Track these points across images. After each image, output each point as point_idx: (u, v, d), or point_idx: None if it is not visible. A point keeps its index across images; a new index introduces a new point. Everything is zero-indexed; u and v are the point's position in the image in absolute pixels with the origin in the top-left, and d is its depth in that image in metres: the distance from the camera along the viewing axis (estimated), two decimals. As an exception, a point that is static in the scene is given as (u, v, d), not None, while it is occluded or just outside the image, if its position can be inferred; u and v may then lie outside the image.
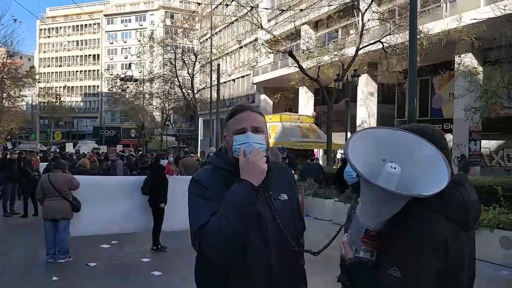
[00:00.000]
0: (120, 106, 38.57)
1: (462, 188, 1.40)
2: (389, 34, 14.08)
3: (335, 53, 15.92)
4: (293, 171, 10.76)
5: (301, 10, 18.30)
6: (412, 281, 1.29)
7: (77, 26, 62.54)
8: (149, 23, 54.99)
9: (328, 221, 9.48)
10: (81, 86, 62.85)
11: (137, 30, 56.80)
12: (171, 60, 29.11)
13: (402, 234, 1.32)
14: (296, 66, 15.64)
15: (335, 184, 9.88)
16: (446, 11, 15.13)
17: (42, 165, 11.15)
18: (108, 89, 40.30)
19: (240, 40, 31.47)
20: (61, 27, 63.09)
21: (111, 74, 38.02)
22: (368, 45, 14.55)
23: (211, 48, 26.55)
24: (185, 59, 28.94)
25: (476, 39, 11.83)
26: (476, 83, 11.29)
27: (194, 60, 29.47)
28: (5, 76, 26.76)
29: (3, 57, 26.84)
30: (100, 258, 6.42)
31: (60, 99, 50.20)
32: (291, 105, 26.15)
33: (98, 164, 12.49)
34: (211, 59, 26.32)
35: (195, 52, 30.57)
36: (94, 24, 54.78)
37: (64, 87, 59.63)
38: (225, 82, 33.14)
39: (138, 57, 31.18)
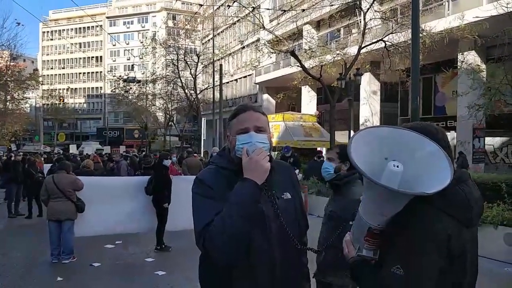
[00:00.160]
0: (123, 107, 38.70)
1: (465, 185, 1.40)
2: (392, 33, 14.04)
3: (338, 52, 15.89)
4: (297, 170, 10.80)
5: (303, 10, 18.27)
6: (415, 279, 1.29)
7: (80, 28, 62.77)
8: (151, 25, 55.12)
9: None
10: (84, 88, 63.07)
11: (140, 32, 56.96)
12: (174, 61, 29.14)
13: (405, 232, 1.33)
14: (298, 66, 15.63)
15: None
16: (448, 10, 15.08)
17: (46, 167, 11.21)
18: (111, 91, 40.43)
19: (242, 41, 31.49)
20: (64, 30, 63.34)
21: (114, 76, 38.13)
22: (370, 44, 14.52)
23: (213, 49, 26.57)
24: (187, 60, 28.97)
25: (479, 37, 11.78)
26: (480, 80, 11.24)
27: (196, 61, 29.49)
28: (8, 79, 26.86)
29: (7, 60, 26.97)
30: (105, 258, 6.45)
31: (63, 100, 50.48)
32: (294, 105, 26.12)
33: (101, 165, 12.53)
34: (213, 59, 26.35)
35: (197, 53, 30.59)
36: (97, 26, 54.93)
37: (67, 89, 59.88)
38: (227, 82, 33.17)
39: (140, 58, 31.22)
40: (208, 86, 29.30)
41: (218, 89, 21.71)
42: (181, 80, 29.51)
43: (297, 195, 1.81)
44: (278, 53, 22.10)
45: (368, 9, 14.39)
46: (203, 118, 33.69)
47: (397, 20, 14.89)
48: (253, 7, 16.65)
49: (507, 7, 9.88)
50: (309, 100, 24.49)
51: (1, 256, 6.64)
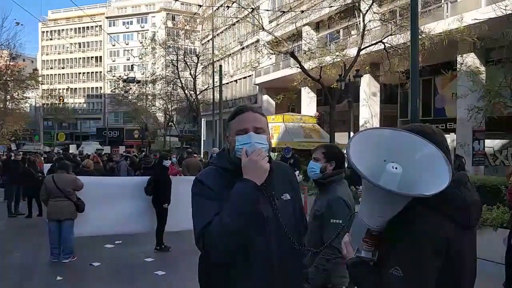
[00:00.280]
0: (123, 108, 38.71)
1: (464, 188, 1.40)
2: (391, 35, 14.07)
3: (337, 53, 15.90)
4: (297, 172, 10.75)
5: (302, 11, 18.30)
6: (413, 280, 1.29)
7: (79, 28, 62.71)
8: (151, 25, 55.11)
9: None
10: (84, 88, 63.02)
11: (139, 32, 56.90)
12: (173, 61, 29.17)
13: (403, 233, 1.33)
14: (298, 67, 15.65)
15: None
16: (447, 12, 15.09)
17: (46, 166, 11.21)
18: (111, 91, 40.44)
19: (242, 42, 31.49)
20: (63, 30, 63.28)
21: (113, 76, 38.15)
22: (369, 46, 14.54)
23: (213, 50, 26.60)
24: (187, 60, 29.00)
25: (478, 39, 11.81)
26: (479, 83, 11.26)
27: (196, 61, 29.53)
28: (8, 79, 26.88)
29: (6, 60, 26.98)
30: (104, 258, 6.46)
31: (63, 100, 50.42)
32: (294, 106, 26.14)
33: (101, 165, 12.54)
34: (213, 60, 26.37)
35: (197, 53, 30.63)
36: (96, 26, 54.92)
37: (67, 88, 59.85)
38: (227, 83, 33.18)
39: (140, 58, 31.25)
40: (208, 86, 29.32)
41: (218, 90, 21.71)
42: (180, 81, 29.54)
43: (297, 196, 1.81)
44: (278, 54, 22.13)
45: (367, 10, 14.42)
46: (203, 119, 33.55)
47: (396, 22, 14.93)
48: (252, 8, 16.68)
49: (505, 10, 9.90)
50: (309, 102, 24.51)
51: (1, 256, 6.65)
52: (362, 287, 1.47)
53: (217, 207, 1.55)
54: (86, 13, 49.45)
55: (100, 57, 61.17)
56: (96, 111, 61.87)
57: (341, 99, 16.98)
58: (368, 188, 1.38)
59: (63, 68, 63.38)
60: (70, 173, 6.47)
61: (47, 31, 63.81)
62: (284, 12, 19.62)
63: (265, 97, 29.52)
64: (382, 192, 1.28)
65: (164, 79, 31.27)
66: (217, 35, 34.18)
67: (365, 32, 14.64)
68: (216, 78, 22.42)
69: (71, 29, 63.30)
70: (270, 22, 23.49)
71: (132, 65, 45.13)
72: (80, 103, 62.31)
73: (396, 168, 1.34)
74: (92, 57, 61.11)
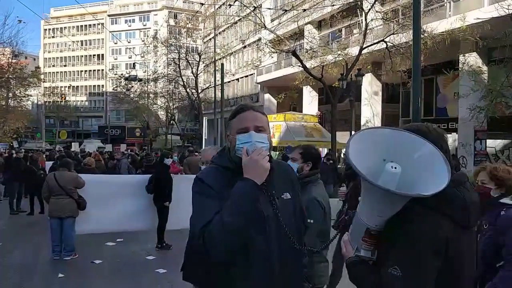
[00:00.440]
0: (125, 106, 38.80)
1: (463, 188, 1.41)
2: (393, 34, 14.06)
3: (339, 52, 15.90)
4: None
5: (304, 10, 18.28)
6: (412, 279, 1.30)
7: (81, 26, 62.77)
8: (153, 23, 55.12)
9: (332, 220, 9.47)
10: (86, 86, 63.12)
11: (141, 30, 56.98)
12: (175, 59, 29.22)
13: (402, 233, 1.34)
14: (299, 66, 15.64)
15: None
16: (449, 11, 15.05)
17: (48, 164, 11.25)
18: (113, 89, 40.52)
19: (244, 40, 31.48)
20: (65, 27, 63.33)
21: (115, 74, 38.22)
22: (371, 45, 14.53)
23: (214, 48, 26.60)
24: (189, 58, 29.05)
25: (480, 38, 11.78)
26: (481, 82, 11.25)
27: (198, 59, 29.57)
28: (10, 76, 26.95)
29: (9, 57, 27.03)
30: (106, 255, 6.48)
31: (65, 98, 50.56)
32: (295, 105, 26.11)
33: (103, 163, 12.57)
34: (214, 58, 26.37)
35: (199, 52, 30.68)
36: (98, 24, 54.99)
37: (69, 86, 59.96)
38: (229, 82, 33.17)
39: (142, 57, 31.40)
40: (210, 85, 29.35)
41: (220, 88, 21.73)
42: (182, 79, 29.59)
43: (297, 196, 1.81)
44: (280, 53, 22.11)
45: (370, 9, 14.41)
46: (204, 117, 33.72)
47: (399, 21, 14.91)
48: (254, 6, 16.68)
49: (508, 9, 9.88)
50: (310, 100, 24.47)
51: (2, 253, 6.68)
52: (361, 286, 1.48)
53: (217, 205, 1.55)
54: (89, 11, 49.45)
55: (102, 55, 61.24)
56: (98, 109, 61.97)
57: (342, 98, 16.97)
58: (367, 187, 1.38)
59: (65, 66, 63.48)
60: (71, 171, 6.49)
61: (49, 29, 63.91)
62: (286, 10, 19.61)
63: (267, 95, 29.51)
64: (381, 191, 1.29)
65: (166, 77, 31.33)
66: (219, 33, 34.15)
67: (367, 31, 14.63)
68: (218, 76, 22.42)
69: (73, 27, 63.36)
70: (272, 20, 23.48)
71: (134, 63, 45.25)
72: (82, 101, 62.42)
73: (395, 167, 1.35)
74: (94, 55, 61.20)
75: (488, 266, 2.40)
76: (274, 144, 2.11)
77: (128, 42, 55.50)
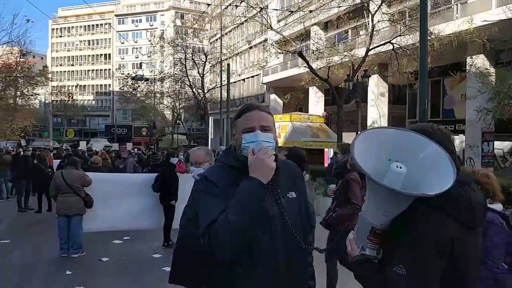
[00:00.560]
0: (132, 105, 39.00)
1: (468, 188, 1.41)
2: (400, 35, 14.01)
3: (345, 53, 15.86)
4: (304, 171, 10.75)
5: (311, 11, 18.27)
6: (417, 278, 1.31)
7: (89, 26, 63.17)
8: (160, 24, 55.36)
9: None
10: (93, 85, 63.50)
11: (148, 30, 57.24)
12: (182, 60, 29.33)
13: (408, 232, 1.34)
14: (306, 67, 15.64)
15: None
16: (457, 13, 14.97)
17: (56, 162, 11.35)
18: (120, 88, 40.74)
19: (250, 41, 31.51)
20: (73, 27, 63.77)
21: (122, 74, 38.44)
22: (378, 46, 14.49)
23: (221, 48, 26.66)
24: (195, 59, 29.14)
25: (487, 40, 11.71)
26: (488, 84, 11.18)
27: (204, 60, 29.65)
28: (18, 75, 27.17)
29: (17, 56, 27.26)
30: (112, 253, 6.53)
31: (72, 97, 50.90)
32: (301, 105, 26.07)
33: (110, 161, 12.65)
34: (221, 59, 26.43)
35: (205, 52, 30.77)
36: (105, 24, 55.28)
37: (76, 85, 60.34)
38: (235, 82, 33.22)
39: (148, 56, 31.56)
40: (216, 85, 29.42)
41: (226, 88, 21.77)
42: (188, 79, 29.70)
43: (302, 195, 1.81)
44: (286, 54, 22.12)
45: (376, 11, 14.37)
46: (210, 117, 33.80)
47: (405, 22, 14.85)
48: (260, 7, 16.70)
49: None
50: (316, 101, 24.44)
51: (10, 250, 6.75)
52: (367, 284, 1.48)
53: (222, 204, 1.55)
54: (96, 10, 49.76)
55: (109, 54, 61.58)
56: (104, 108, 62.32)
57: (349, 99, 16.94)
58: (372, 187, 1.39)
59: (72, 65, 63.91)
60: (78, 169, 6.55)
61: (57, 28, 64.36)
62: (292, 11, 19.60)
63: (273, 96, 29.51)
64: (386, 191, 1.30)
65: (172, 77, 31.46)
66: (225, 34, 34.22)
67: (374, 33, 14.59)
68: (224, 76, 22.48)
69: (81, 26, 63.78)
70: (279, 21, 23.49)
71: (140, 63, 45.43)
72: (89, 100, 62.81)
73: (400, 167, 1.36)
74: (101, 54, 61.55)
75: None
76: (280, 144, 2.14)
77: (135, 42, 55.77)
